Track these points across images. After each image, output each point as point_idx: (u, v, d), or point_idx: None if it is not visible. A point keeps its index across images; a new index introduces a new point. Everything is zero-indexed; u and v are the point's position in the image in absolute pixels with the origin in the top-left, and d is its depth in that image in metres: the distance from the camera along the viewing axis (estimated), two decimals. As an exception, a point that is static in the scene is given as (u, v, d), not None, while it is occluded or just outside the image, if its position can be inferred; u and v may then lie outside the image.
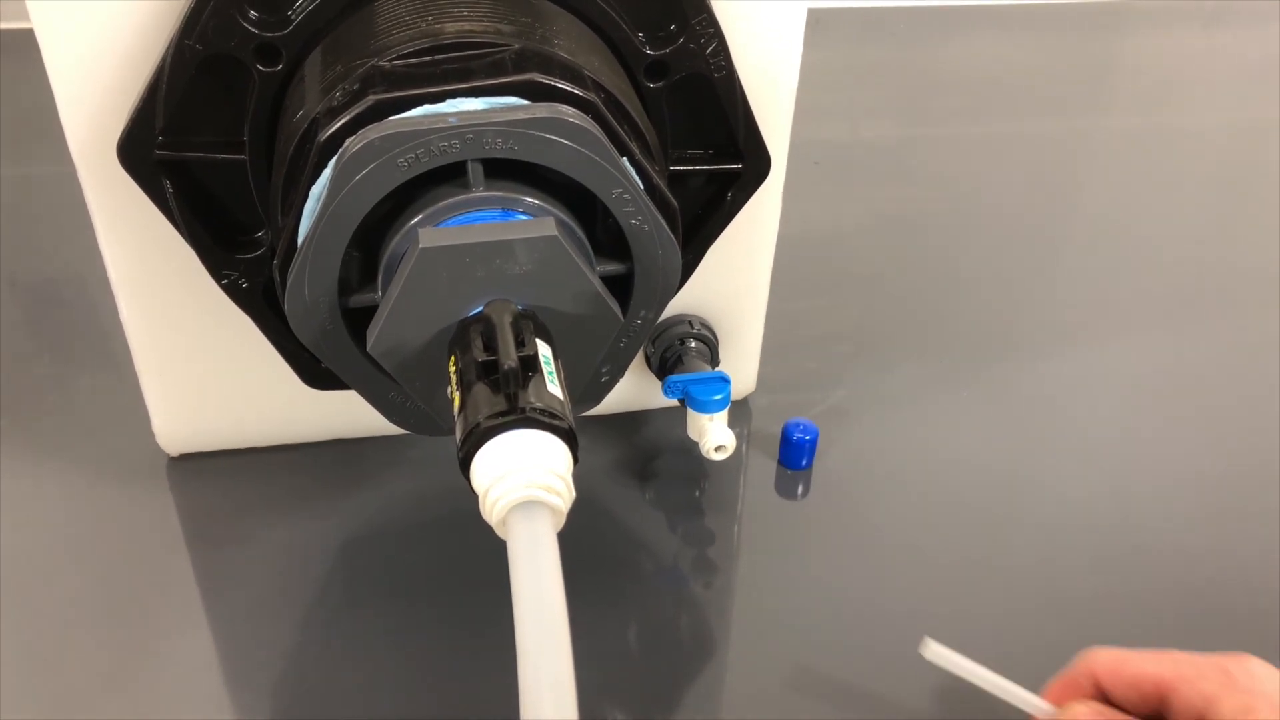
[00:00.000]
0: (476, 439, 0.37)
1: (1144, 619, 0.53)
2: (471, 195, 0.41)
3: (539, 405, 0.37)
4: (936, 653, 0.45)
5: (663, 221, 0.44)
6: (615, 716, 0.49)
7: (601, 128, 0.41)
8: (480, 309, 0.40)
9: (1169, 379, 0.72)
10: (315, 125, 0.42)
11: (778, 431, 0.62)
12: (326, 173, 0.41)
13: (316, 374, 0.52)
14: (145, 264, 0.54)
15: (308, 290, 0.42)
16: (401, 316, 0.41)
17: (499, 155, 0.41)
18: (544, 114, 0.40)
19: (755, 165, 0.53)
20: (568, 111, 0.41)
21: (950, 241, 0.88)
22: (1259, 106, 1.14)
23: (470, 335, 0.40)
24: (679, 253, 0.45)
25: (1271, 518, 0.60)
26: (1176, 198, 0.96)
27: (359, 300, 0.44)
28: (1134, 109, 1.15)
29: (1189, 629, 0.54)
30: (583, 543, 0.56)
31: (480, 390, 0.38)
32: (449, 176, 0.42)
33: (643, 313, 0.46)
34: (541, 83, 0.41)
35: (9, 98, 0.98)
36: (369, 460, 0.62)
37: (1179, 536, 0.59)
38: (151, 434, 0.61)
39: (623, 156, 0.42)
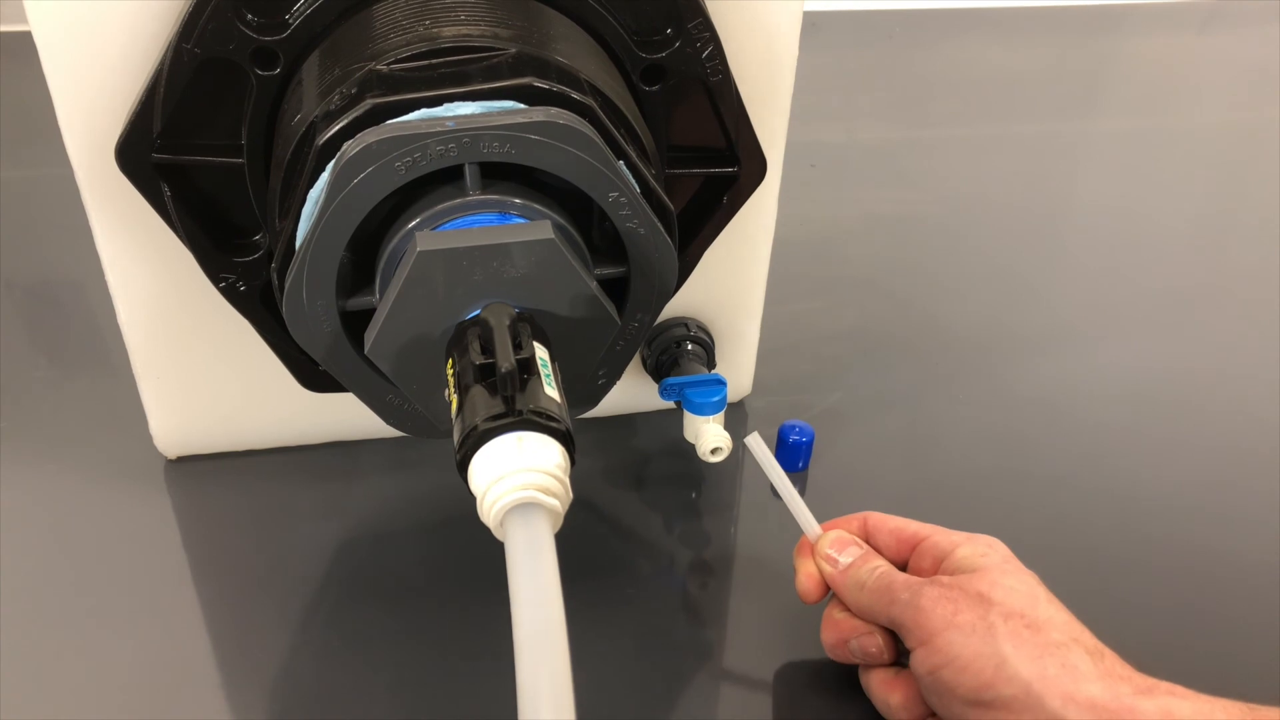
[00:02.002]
0: (474, 441, 0.37)
1: (1141, 618, 0.54)
2: (469, 199, 0.42)
3: (536, 407, 0.37)
4: (755, 445, 0.52)
5: (659, 225, 0.44)
6: (612, 717, 0.49)
7: (598, 131, 0.41)
8: (478, 312, 0.41)
9: (1165, 379, 0.72)
10: (313, 129, 0.42)
11: (774, 433, 0.63)
12: (324, 176, 0.41)
13: (314, 377, 0.52)
14: (143, 267, 0.54)
15: (305, 293, 0.42)
16: (399, 319, 0.41)
17: (496, 159, 0.41)
18: (541, 118, 0.40)
19: (751, 168, 0.53)
20: (564, 115, 0.41)
21: (946, 244, 0.88)
22: (1254, 108, 1.14)
23: (468, 338, 0.40)
24: (675, 256, 0.45)
25: (1271, 516, 0.60)
26: (1172, 199, 0.97)
27: (356, 303, 0.44)
28: (1129, 111, 1.15)
29: (1187, 627, 0.54)
30: (580, 544, 0.57)
31: (478, 393, 0.38)
32: (446, 180, 0.42)
33: (639, 315, 0.47)
34: (538, 87, 0.42)
35: (8, 100, 0.98)
36: (366, 463, 0.62)
37: (1178, 536, 0.59)
38: (149, 437, 0.61)
39: (619, 160, 0.42)
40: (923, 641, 0.44)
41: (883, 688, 0.47)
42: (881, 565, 0.48)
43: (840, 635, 0.48)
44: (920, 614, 0.44)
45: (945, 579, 0.45)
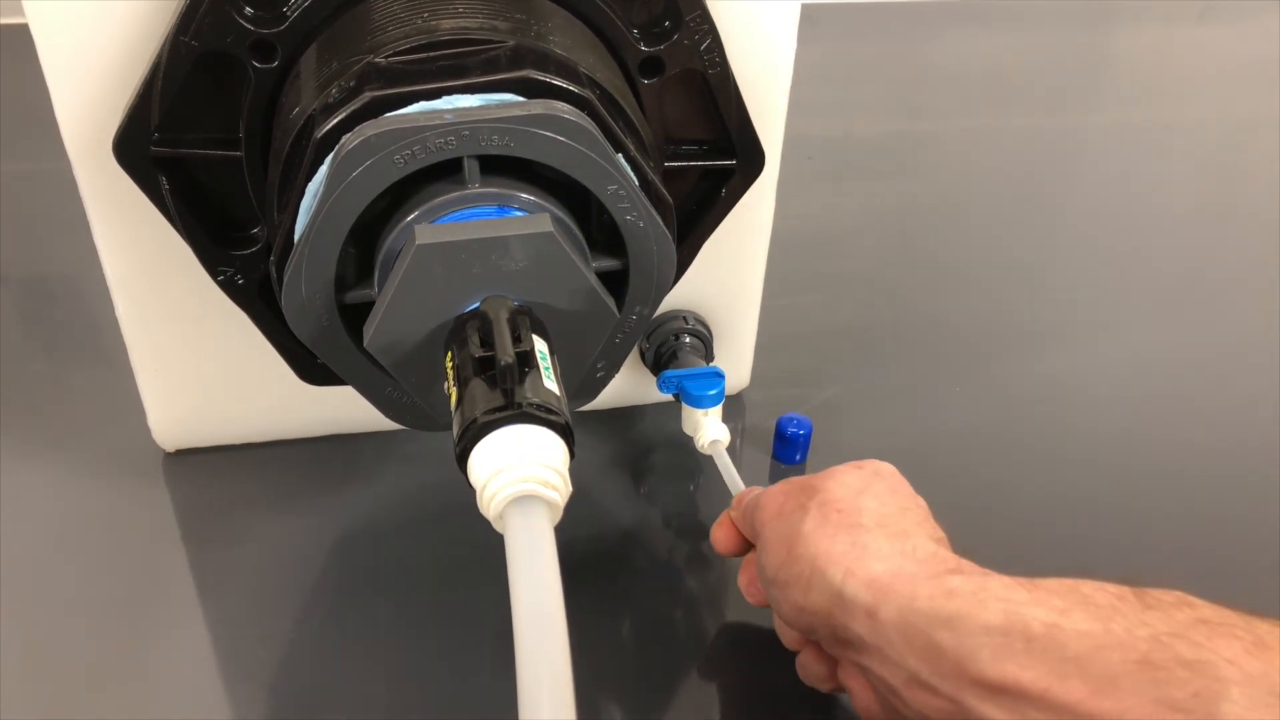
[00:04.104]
0: (474, 434, 0.37)
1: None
2: (467, 191, 0.42)
3: (535, 400, 0.37)
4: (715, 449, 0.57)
5: (657, 217, 0.44)
6: (610, 709, 0.49)
7: (596, 124, 0.41)
8: (477, 305, 0.41)
9: (1162, 373, 0.72)
10: (311, 122, 0.42)
11: (772, 426, 0.63)
12: (323, 169, 0.41)
13: (312, 370, 0.52)
14: (141, 260, 0.54)
15: (304, 286, 0.42)
16: (398, 312, 0.41)
17: (495, 152, 0.41)
18: (539, 110, 0.40)
19: (749, 161, 0.53)
20: (563, 108, 0.41)
21: (944, 237, 0.88)
22: (1250, 101, 1.14)
23: (467, 331, 0.40)
24: (674, 248, 0.45)
25: (1271, 511, 0.60)
26: (1169, 192, 0.97)
27: (355, 296, 0.44)
28: (1126, 104, 1.15)
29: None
30: (579, 537, 0.57)
31: (477, 386, 0.38)
32: (445, 173, 0.42)
33: (638, 308, 0.47)
34: (537, 79, 0.42)
35: (5, 93, 0.98)
36: (365, 456, 0.62)
37: (1174, 533, 0.59)
38: (147, 430, 0.61)
39: (618, 153, 0.42)
40: (755, 535, 0.45)
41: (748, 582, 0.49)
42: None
43: (749, 576, 0.49)
44: (759, 510, 0.45)
45: (796, 478, 0.46)
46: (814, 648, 0.46)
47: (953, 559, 0.40)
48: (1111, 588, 0.36)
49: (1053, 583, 0.37)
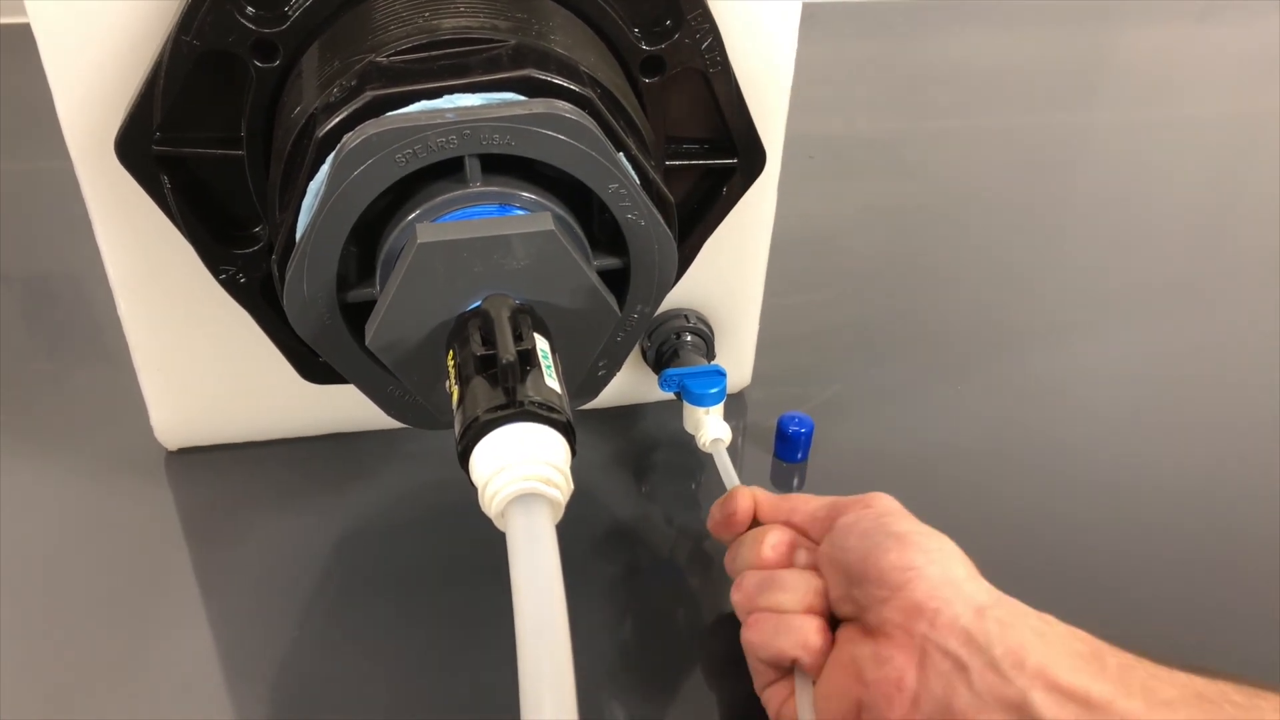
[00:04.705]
0: (475, 432, 0.37)
1: (1139, 610, 0.54)
2: (469, 190, 0.42)
3: (537, 399, 0.37)
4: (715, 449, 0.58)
5: (659, 216, 0.44)
6: (612, 707, 0.49)
7: (598, 123, 0.42)
8: (478, 304, 0.41)
9: (1163, 371, 0.72)
10: (313, 121, 0.42)
11: (773, 425, 0.63)
12: (324, 168, 0.41)
13: (314, 368, 0.52)
14: (143, 259, 0.54)
15: (306, 285, 0.42)
16: (400, 311, 0.41)
17: (496, 151, 0.41)
18: (540, 109, 0.40)
19: (750, 160, 0.53)
20: (564, 107, 0.41)
21: (945, 235, 0.88)
22: (1252, 100, 1.14)
23: (468, 330, 0.40)
24: (675, 247, 0.45)
25: (1272, 509, 0.60)
26: (1170, 191, 0.97)
27: (357, 295, 0.44)
28: (1127, 102, 1.15)
29: (1184, 623, 0.54)
30: (580, 535, 0.57)
31: (479, 384, 0.38)
32: (446, 172, 0.42)
33: (639, 307, 0.47)
34: (538, 78, 0.42)
35: (6, 92, 0.98)
36: (366, 454, 0.62)
37: (1176, 529, 0.59)
38: (149, 429, 0.61)
39: (619, 151, 0.42)
40: (848, 503, 0.48)
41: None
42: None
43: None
44: (878, 496, 0.48)
45: None
46: (785, 687, 0.47)
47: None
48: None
49: (1095, 640, 0.41)
